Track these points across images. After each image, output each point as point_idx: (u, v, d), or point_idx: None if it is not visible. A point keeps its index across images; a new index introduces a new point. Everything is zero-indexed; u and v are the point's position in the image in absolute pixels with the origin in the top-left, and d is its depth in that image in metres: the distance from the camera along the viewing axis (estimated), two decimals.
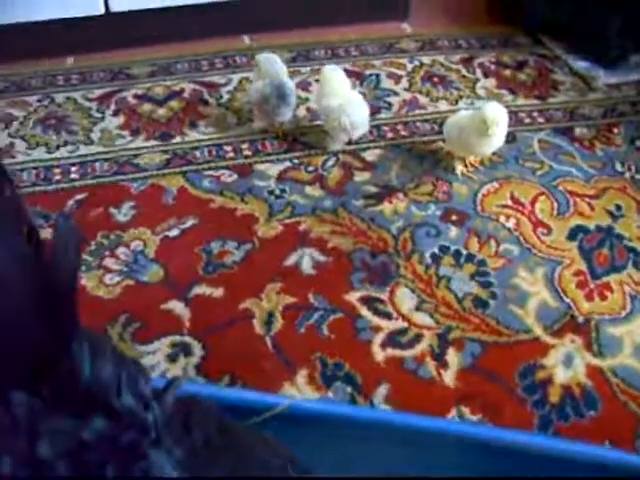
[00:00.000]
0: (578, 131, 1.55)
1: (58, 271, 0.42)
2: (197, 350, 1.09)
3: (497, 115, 1.31)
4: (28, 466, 0.41)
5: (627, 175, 1.45)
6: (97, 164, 1.41)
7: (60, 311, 0.43)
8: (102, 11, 1.64)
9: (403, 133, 1.51)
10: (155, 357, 1.08)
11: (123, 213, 1.31)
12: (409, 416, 0.83)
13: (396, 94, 1.61)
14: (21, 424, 0.41)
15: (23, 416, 0.41)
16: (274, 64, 1.42)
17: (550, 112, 1.60)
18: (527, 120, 1.57)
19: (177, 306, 1.16)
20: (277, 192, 1.36)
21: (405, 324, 1.14)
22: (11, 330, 0.41)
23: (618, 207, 1.37)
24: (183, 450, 0.49)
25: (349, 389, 1.05)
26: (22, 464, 0.41)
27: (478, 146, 1.36)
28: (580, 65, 1.73)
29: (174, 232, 1.28)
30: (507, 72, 1.72)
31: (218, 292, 1.18)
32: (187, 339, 1.11)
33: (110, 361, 0.47)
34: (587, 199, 1.39)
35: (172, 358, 1.08)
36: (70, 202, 1.33)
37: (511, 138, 1.39)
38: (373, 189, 1.38)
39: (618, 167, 1.46)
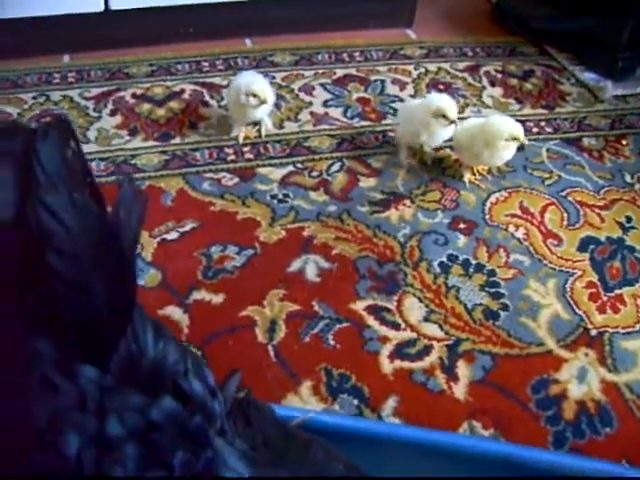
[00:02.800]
0: (586, 142, 1.52)
1: (120, 235, 0.39)
2: None
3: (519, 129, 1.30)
4: (96, 444, 0.37)
5: (637, 187, 1.42)
6: (93, 163, 1.36)
7: (121, 278, 0.39)
8: (102, 8, 1.60)
9: None
10: None
11: None
12: (426, 431, 0.79)
13: (402, 100, 1.58)
14: (90, 400, 0.38)
15: (92, 392, 0.38)
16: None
17: (558, 122, 1.57)
18: (535, 129, 1.54)
19: (175, 312, 1.11)
20: (280, 196, 1.32)
21: (414, 335, 1.10)
22: (76, 290, 0.37)
23: (629, 219, 1.34)
24: (246, 443, 0.46)
25: (356, 401, 1.00)
26: (89, 442, 0.37)
27: (488, 157, 1.33)
28: (587, 76, 1.71)
29: (173, 235, 1.23)
30: (513, 81, 1.69)
31: (218, 298, 1.13)
32: (186, 346, 1.06)
33: (173, 344, 0.44)
34: (597, 210, 1.35)
35: None
36: None
37: (520, 146, 1.35)
38: (379, 195, 1.34)
39: (628, 178, 1.44)
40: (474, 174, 1.39)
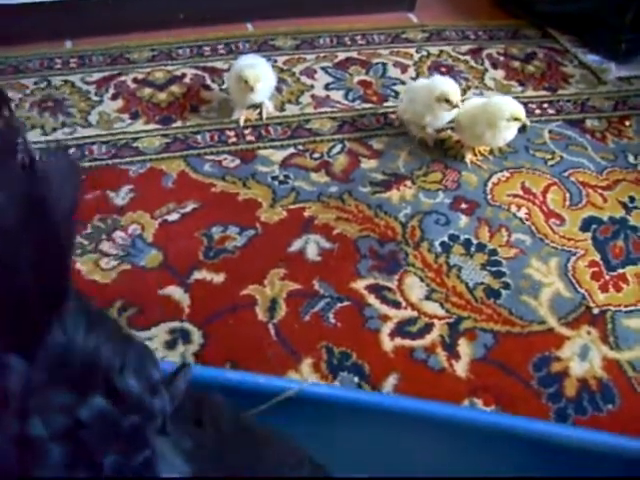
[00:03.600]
0: (589, 123, 1.51)
1: (51, 210, 0.36)
2: (196, 337, 1.04)
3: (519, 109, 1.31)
4: (17, 445, 0.35)
5: None
6: (95, 147, 1.36)
7: (52, 257, 0.37)
8: None
9: None
10: (152, 344, 1.03)
11: (121, 196, 1.26)
12: (421, 402, 0.78)
13: (403, 83, 1.57)
14: (13, 396, 0.35)
15: (17, 387, 0.36)
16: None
17: (560, 104, 1.56)
18: (537, 111, 1.53)
19: (176, 291, 1.11)
20: (281, 178, 1.31)
21: (415, 313, 1.10)
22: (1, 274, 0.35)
23: (632, 199, 1.33)
24: (192, 443, 0.43)
25: (356, 379, 1.00)
26: (10, 442, 0.35)
27: (490, 137, 1.33)
28: (590, 58, 1.70)
29: (174, 216, 1.23)
30: (516, 64, 1.68)
31: (219, 278, 1.13)
32: (186, 325, 1.06)
33: (112, 337, 0.41)
34: (600, 190, 1.35)
35: (170, 345, 1.03)
36: None
37: (521, 128, 1.35)
38: (380, 176, 1.33)
39: (631, 159, 1.43)
40: (476, 155, 1.39)
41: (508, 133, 1.33)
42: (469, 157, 1.37)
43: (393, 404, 0.78)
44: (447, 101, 1.32)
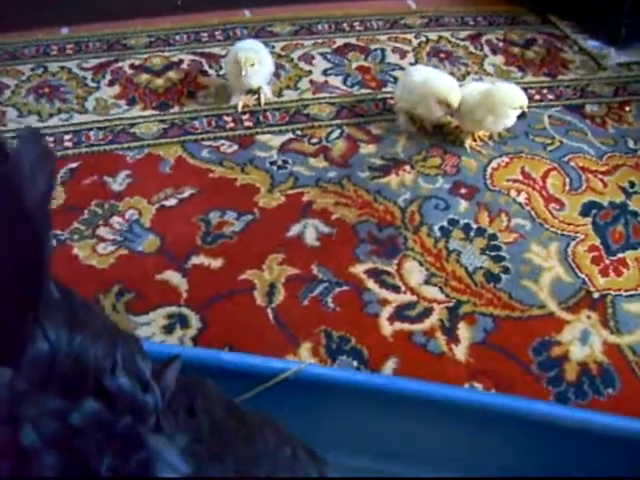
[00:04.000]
0: (589, 108, 1.50)
1: (25, 195, 0.34)
2: (194, 321, 1.04)
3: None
4: (10, 456, 0.35)
5: None
6: (91, 133, 1.36)
7: (27, 249, 0.35)
8: None
9: None
10: (150, 328, 1.03)
11: (118, 182, 1.25)
12: (422, 384, 0.78)
13: (402, 68, 1.56)
14: (1, 407, 0.35)
15: (4, 398, 0.35)
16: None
17: (560, 89, 1.55)
18: (537, 97, 1.52)
19: (174, 276, 1.10)
20: (279, 163, 1.31)
21: (414, 298, 1.09)
22: None
23: (632, 184, 1.33)
24: (187, 437, 0.42)
25: (355, 363, 0.99)
26: (3, 454, 0.34)
27: (492, 123, 1.32)
28: (590, 44, 1.68)
29: (171, 202, 1.22)
30: (515, 50, 1.67)
31: (217, 263, 1.12)
32: (184, 310, 1.06)
33: (100, 334, 0.40)
34: (600, 175, 1.34)
35: (168, 330, 1.03)
36: (63, 170, 1.26)
37: (520, 114, 1.34)
38: (379, 161, 1.32)
39: (631, 144, 1.42)
40: (475, 140, 1.38)
41: (509, 119, 1.33)
42: (468, 142, 1.37)
43: (392, 385, 0.77)
44: (448, 105, 1.32)
